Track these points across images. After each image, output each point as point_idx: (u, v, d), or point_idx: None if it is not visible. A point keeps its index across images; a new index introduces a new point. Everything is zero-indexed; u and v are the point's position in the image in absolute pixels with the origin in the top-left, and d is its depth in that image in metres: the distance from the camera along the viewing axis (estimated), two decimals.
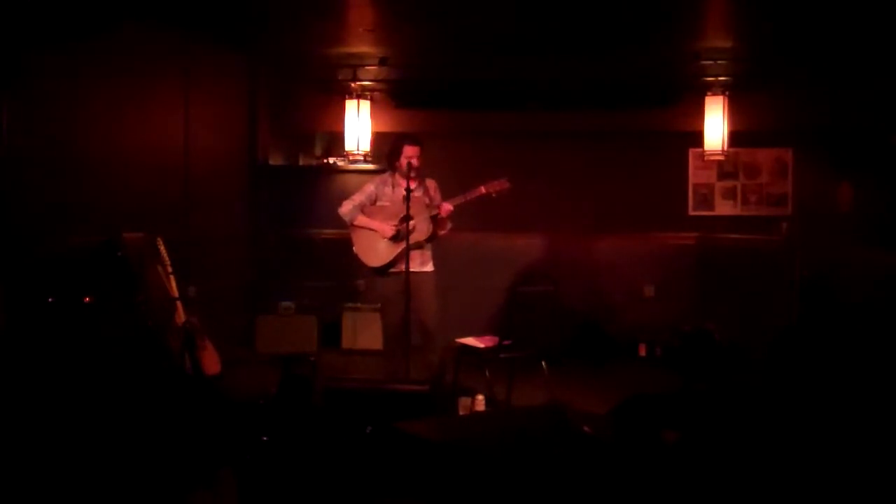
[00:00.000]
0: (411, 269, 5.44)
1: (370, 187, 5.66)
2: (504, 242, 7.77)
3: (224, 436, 4.39)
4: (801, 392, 5.45)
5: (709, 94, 7.29)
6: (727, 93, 7.24)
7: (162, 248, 5.71)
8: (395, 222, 5.45)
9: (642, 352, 7.66)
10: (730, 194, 8.05)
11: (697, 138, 7.52)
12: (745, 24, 6.28)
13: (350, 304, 7.71)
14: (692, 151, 7.96)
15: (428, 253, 5.59)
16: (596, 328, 7.64)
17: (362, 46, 6.94)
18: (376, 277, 5.61)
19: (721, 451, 3.76)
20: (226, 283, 7.22)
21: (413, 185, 5.51)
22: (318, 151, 8.41)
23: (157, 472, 3.93)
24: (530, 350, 5.52)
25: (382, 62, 7.26)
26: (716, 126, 7.26)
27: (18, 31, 4.82)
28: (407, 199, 5.23)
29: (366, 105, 7.69)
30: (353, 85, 7.63)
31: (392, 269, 5.47)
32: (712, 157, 7.51)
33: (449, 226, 5.48)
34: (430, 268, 5.60)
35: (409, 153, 5.46)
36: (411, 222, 5.42)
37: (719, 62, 7.02)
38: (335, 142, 8.10)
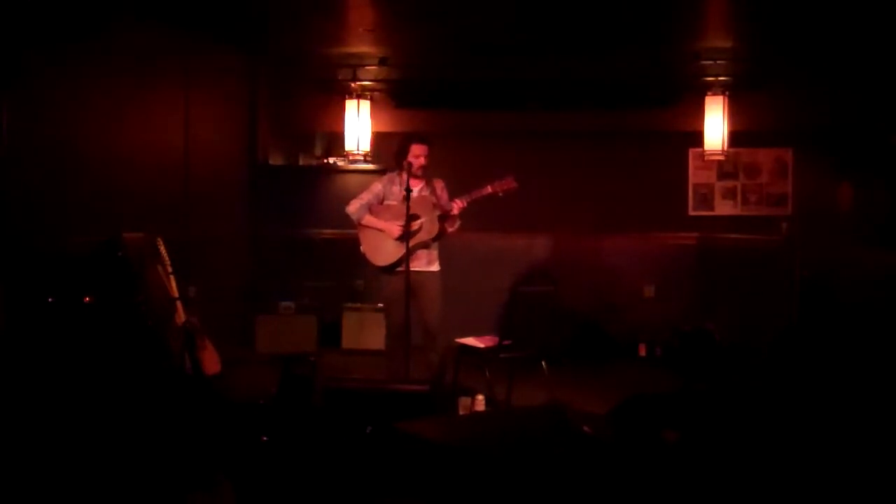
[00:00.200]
0: (418, 269, 5.47)
1: (378, 186, 5.66)
2: (503, 242, 7.77)
3: (223, 437, 4.39)
4: (801, 392, 5.45)
5: (709, 94, 7.29)
6: (727, 93, 7.24)
7: (162, 248, 5.71)
8: (402, 222, 5.45)
9: (642, 352, 7.67)
10: (730, 194, 8.05)
11: (697, 138, 7.52)
12: (745, 24, 6.28)
13: (350, 304, 7.70)
14: (692, 151, 7.96)
15: (434, 252, 5.59)
16: (596, 328, 7.64)
17: (362, 46, 6.94)
18: (382, 277, 5.60)
19: (721, 451, 3.76)
20: (226, 283, 7.22)
21: (418, 185, 5.53)
22: (318, 151, 8.41)
23: (156, 474, 3.93)
24: (530, 350, 5.52)
25: (382, 62, 7.26)
26: (716, 126, 7.26)
27: (18, 31, 4.82)
28: (407, 198, 5.23)
29: (366, 105, 7.69)
30: (353, 85, 7.63)
31: (399, 269, 5.47)
32: (712, 157, 7.51)
33: (458, 224, 5.47)
34: (436, 267, 5.60)
35: (417, 152, 5.47)
36: (418, 221, 5.43)
37: (719, 62, 7.02)
38: (335, 142, 8.10)
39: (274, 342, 7.27)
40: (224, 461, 4.05)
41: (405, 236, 5.36)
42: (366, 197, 5.64)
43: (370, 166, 7.94)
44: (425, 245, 5.50)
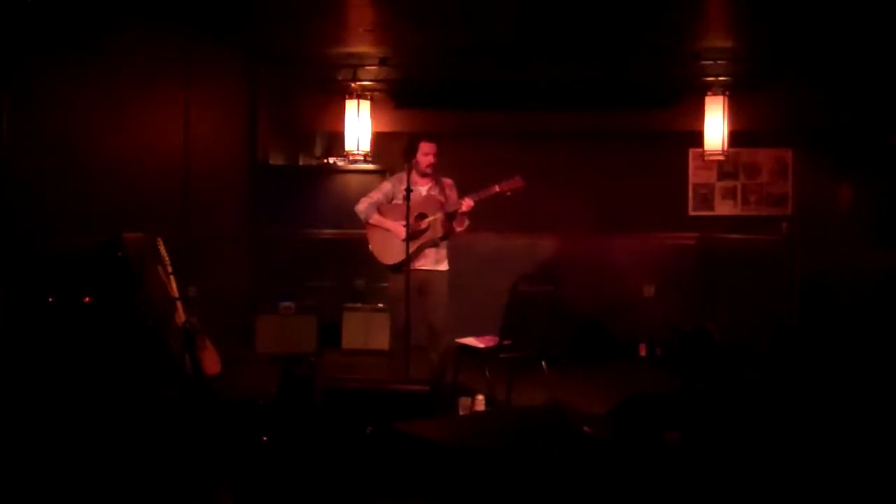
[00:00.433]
0: (426, 268, 5.50)
1: (387, 185, 5.67)
2: (503, 242, 7.77)
3: (222, 438, 4.39)
4: (801, 392, 5.45)
5: (709, 94, 7.29)
6: (727, 93, 7.24)
7: (162, 248, 5.71)
8: (411, 220, 5.45)
9: (642, 352, 7.67)
10: (730, 194, 8.05)
11: (697, 138, 7.52)
12: (745, 24, 6.28)
13: (350, 304, 7.70)
14: (692, 151, 7.96)
15: (443, 251, 5.60)
16: (596, 328, 7.64)
17: (362, 46, 6.94)
18: (389, 275, 5.60)
19: (721, 451, 3.76)
20: (226, 283, 7.21)
21: (427, 184, 5.55)
22: (318, 151, 8.41)
23: (155, 476, 3.93)
24: (530, 350, 5.52)
25: (382, 62, 7.26)
26: (716, 126, 7.26)
27: (19, 32, 4.82)
28: (407, 197, 5.24)
29: (366, 105, 7.69)
30: (353, 85, 7.63)
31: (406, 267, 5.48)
32: (712, 157, 7.51)
33: (467, 223, 5.47)
34: (444, 266, 5.60)
35: (426, 150, 5.49)
36: (426, 220, 5.45)
37: (719, 62, 7.02)
38: (335, 142, 8.10)
39: (274, 342, 7.27)
40: (223, 463, 4.05)
41: (417, 234, 5.40)
42: (374, 196, 5.66)
43: (370, 166, 7.94)
44: (434, 244, 5.51)
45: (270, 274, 7.80)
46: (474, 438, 3.74)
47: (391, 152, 7.70)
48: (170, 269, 5.72)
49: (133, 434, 4.37)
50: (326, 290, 7.75)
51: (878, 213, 7.38)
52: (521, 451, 3.56)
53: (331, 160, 8.09)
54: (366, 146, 7.68)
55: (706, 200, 8.07)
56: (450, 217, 5.43)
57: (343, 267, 7.76)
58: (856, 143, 7.46)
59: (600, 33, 6.39)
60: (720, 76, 7.23)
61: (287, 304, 7.44)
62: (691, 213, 8.08)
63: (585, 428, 4.17)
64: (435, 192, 5.54)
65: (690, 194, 8.08)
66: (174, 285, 5.76)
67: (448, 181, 5.64)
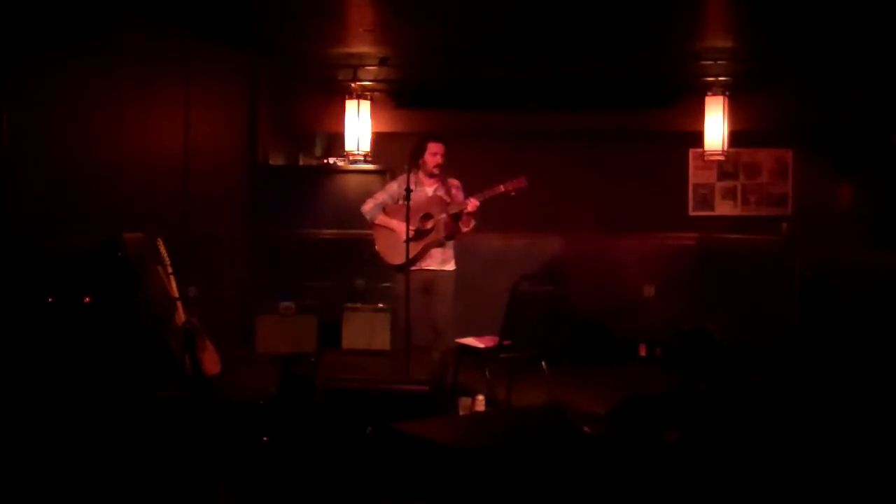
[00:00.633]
0: (432, 268, 5.52)
1: (393, 186, 5.68)
2: (503, 243, 7.77)
3: (222, 438, 4.38)
4: (801, 392, 5.45)
5: (709, 94, 7.29)
6: (727, 93, 7.24)
7: (162, 248, 5.71)
8: (416, 220, 5.46)
9: (642, 352, 7.67)
10: (730, 194, 8.05)
11: (697, 138, 7.52)
12: (745, 24, 6.28)
13: (350, 304, 7.70)
14: (692, 151, 7.96)
15: (450, 251, 5.60)
16: (596, 328, 7.64)
17: (362, 46, 6.94)
18: (396, 275, 5.61)
19: (721, 451, 3.76)
20: (226, 283, 7.22)
21: (433, 185, 5.58)
22: (318, 151, 8.41)
23: (155, 476, 3.93)
24: (530, 350, 5.52)
25: (382, 62, 7.26)
26: (716, 126, 7.26)
27: (19, 32, 4.82)
28: (407, 197, 5.25)
29: (366, 105, 7.69)
30: (353, 85, 7.63)
31: (413, 267, 5.48)
32: (712, 157, 7.51)
33: (473, 223, 5.48)
34: (450, 266, 5.61)
35: (434, 150, 5.51)
36: (431, 220, 5.46)
37: (719, 62, 7.02)
38: (335, 142, 8.10)
39: (274, 342, 7.27)
40: (223, 463, 4.05)
41: (422, 235, 5.43)
42: (380, 197, 5.67)
43: (370, 166, 7.94)
44: (439, 244, 5.51)
45: (270, 274, 7.80)
46: (474, 438, 3.74)
47: (391, 152, 7.71)
48: (170, 269, 5.73)
49: (133, 434, 4.37)
50: (326, 290, 7.75)
51: (878, 213, 7.38)
52: (521, 452, 3.56)
53: (331, 160, 8.09)
54: (366, 146, 7.68)
55: (706, 200, 8.07)
56: (455, 217, 5.44)
57: (343, 267, 7.76)
58: (856, 143, 7.46)
59: (600, 33, 6.40)
60: (720, 76, 7.23)
61: (287, 304, 7.44)
62: (691, 213, 8.08)
63: (585, 428, 4.17)
64: (441, 192, 5.55)
65: (690, 194, 8.08)
66: (174, 285, 5.76)
67: (454, 182, 5.65)
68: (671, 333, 7.27)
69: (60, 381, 4.82)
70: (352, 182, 8.02)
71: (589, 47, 6.85)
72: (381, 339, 7.47)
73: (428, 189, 5.57)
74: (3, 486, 3.71)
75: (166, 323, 5.68)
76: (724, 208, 8.05)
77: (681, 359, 7.01)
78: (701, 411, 4.30)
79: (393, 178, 6.09)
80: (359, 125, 7.63)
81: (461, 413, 5.09)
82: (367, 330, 7.57)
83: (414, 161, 5.58)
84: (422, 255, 5.47)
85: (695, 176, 8.08)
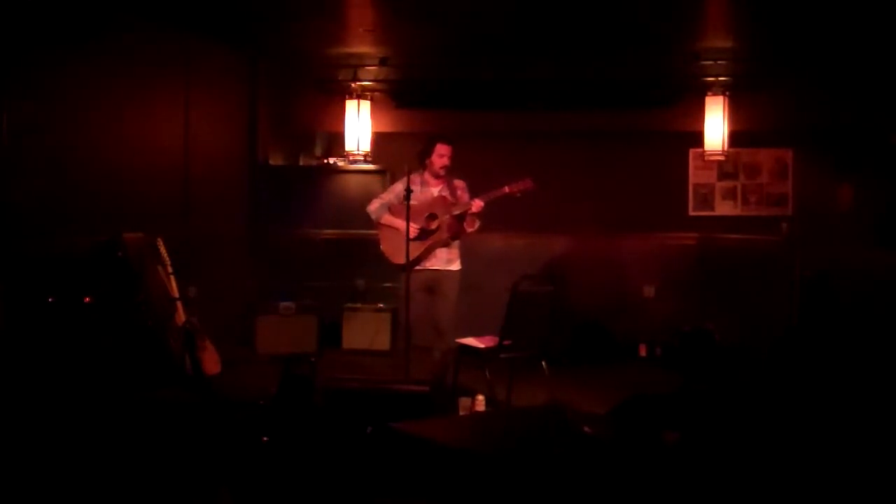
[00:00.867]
0: (437, 267, 5.54)
1: (399, 186, 5.68)
2: (503, 243, 7.77)
3: (222, 439, 4.38)
4: (801, 392, 5.45)
5: (709, 94, 7.29)
6: (727, 93, 7.24)
7: (162, 248, 5.72)
8: (420, 221, 5.47)
9: (642, 352, 7.66)
10: (730, 194, 8.05)
11: (697, 138, 7.52)
12: (745, 24, 6.28)
13: (350, 304, 7.71)
14: (692, 151, 7.96)
15: (455, 251, 5.63)
16: (596, 328, 7.64)
17: (362, 46, 6.94)
18: (399, 275, 5.61)
19: (721, 451, 3.76)
20: (226, 283, 7.22)
21: (438, 185, 5.60)
22: (318, 151, 8.41)
23: (155, 476, 3.93)
24: (530, 350, 5.52)
25: (382, 62, 7.26)
26: (716, 126, 7.26)
27: (19, 32, 4.82)
28: (407, 198, 5.26)
29: (366, 105, 7.69)
30: (353, 85, 7.63)
31: (418, 267, 5.49)
32: (712, 158, 7.50)
33: (477, 224, 5.49)
34: (455, 266, 5.63)
35: (442, 151, 5.54)
36: (436, 221, 5.47)
37: (719, 62, 7.02)
38: (335, 142, 8.10)
39: (274, 342, 7.27)
40: (223, 463, 4.05)
41: (427, 235, 5.44)
42: (386, 197, 5.69)
43: (370, 166, 7.94)
44: (443, 244, 5.52)
45: (270, 274, 7.80)
46: (474, 439, 3.74)
47: (391, 152, 7.71)
48: (170, 269, 5.73)
49: (133, 434, 4.37)
50: (326, 290, 7.75)
51: (878, 213, 7.38)
52: (522, 452, 3.56)
53: (331, 160, 8.09)
54: (366, 146, 7.68)
55: (706, 200, 8.07)
56: (460, 218, 5.45)
57: (343, 267, 7.76)
58: (856, 143, 7.46)
59: (600, 33, 6.39)
60: (720, 76, 7.23)
61: (287, 304, 7.44)
62: (691, 213, 8.08)
63: (585, 428, 4.17)
64: (446, 193, 5.56)
65: (690, 194, 8.08)
66: (174, 285, 5.76)
67: (460, 183, 5.67)
68: (671, 333, 7.28)
69: (60, 381, 4.82)
70: (352, 182, 8.02)
71: (589, 47, 6.85)
72: (381, 339, 7.48)
73: (433, 189, 5.58)
74: (3, 486, 3.71)
75: (166, 323, 5.68)
76: (724, 208, 8.05)
77: (681, 359, 7.01)
78: (701, 411, 4.30)
79: (396, 178, 6.10)
80: (359, 125, 7.63)
81: (461, 413, 5.09)
82: (367, 330, 7.57)
83: (421, 161, 5.60)
84: (426, 255, 5.50)
85: (695, 176, 8.07)
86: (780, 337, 6.36)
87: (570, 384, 6.16)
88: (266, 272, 7.83)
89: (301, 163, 8.41)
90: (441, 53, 7.11)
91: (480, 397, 5.23)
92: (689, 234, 7.96)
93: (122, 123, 5.94)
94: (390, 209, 5.62)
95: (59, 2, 5.07)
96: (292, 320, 7.43)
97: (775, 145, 7.94)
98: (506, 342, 5.36)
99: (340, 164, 8.03)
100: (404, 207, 5.55)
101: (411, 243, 5.37)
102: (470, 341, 5.54)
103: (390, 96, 8.18)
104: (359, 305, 7.71)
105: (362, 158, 7.75)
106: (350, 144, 7.66)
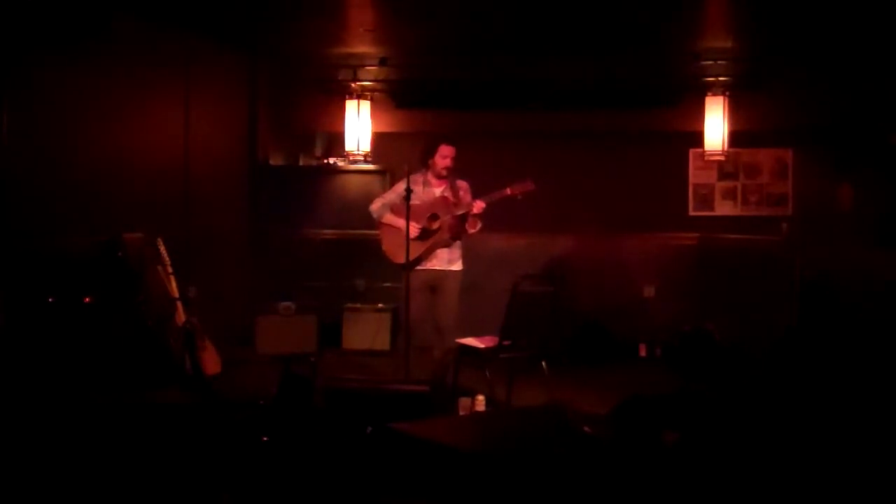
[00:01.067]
0: (438, 267, 5.55)
1: (401, 186, 5.68)
2: (503, 243, 7.76)
3: (222, 440, 4.38)
4: (801, 392, 5.45)
5: (709, 94, 7.30)
6: (727, 93, 7.25)
7: (162, 248, 5.72)
8: (422, 221, 5.48)
9: (642, 352, 7.66)
10: (730, 194, 8.05)
11: (697, 138, 7.52)
12: (745, 24, 6.28)
13: (350, 304, 7.71)
14: (692, 151, 7.95)
15: (457, 251, 5.64)
16: (596, 328, 7.63)
17: (362, 46, 6.95)
18: (403, 274, 5.61)
19: (720, 451, 3.76)
20: (226, 283, 7.22)
21: (440, 186, 5.60)
22: (318, 151, 8.41)
23: (155, 476, 3.93)
24: (530, 350, 5.52)
25: (382, 62, 7.27)
26: (716, 126, 7.26)
27: (19, 32, 4.82)
28: (407, 198, 5.27)
29: (366, 105, 7.69)
30: (353, 85, 7.63)
31: (419, 267, 5.50)
32: (712, 158, 7.51)
33: (479, 225, 5.50)
34: (457, 266, 5.64)
35: (445, 152, 5.54)
36: (438, 221, 5.48)
37: (719, 62, 7.03)
38: (335, 142, 8.10)
39: (274, 342, 7.26)
40: (223, 463, 4.05)
41: (428, 235, 5.44)
42: (388, 196, 5.70)
43: (370, 166, 7.94)
44: (445, 244, 5.53)
45: (270, 274, 7.80)
46: (474, 439, 3.74)
47: (391, 152, 7.71)
48: (170, 269, 5.73)
49: (133, 434, 4.37)
50: (326, 290, 7.75)
51: (878, 213, 7.37)
52: (522, 452, 3.56)
53: (331, 160, 8.09)
54: (366, 146, 7.68)
55: (706, 201, 8.07)
56: (462, 219, 5.46)
57: (343, 267, 7.76)
58: (856, 143, 7.46)
59: (601, 33, 6.40)
60: (720, 76, 7.23)
61: (287, 304, 7.43)
62: (691, 213, 8.08)
63: (585, 428, 4.17)
64: (448, 193, 5.56)
65: (690, 194, 8.08)
66: (174, 285, 5.76)
67: (463, 183, 5.67)
68: (671, 333, 7.27)
69: (60, 382, 4.82)
70: (352, 182, 8.02)
71: (589, 47, 6.85)
72: (381, 339, 7.48)
73: (436, 190, 5.59)
74: (3, 486, 3.71)
75: (166, 323, 5.68)
76: (724, 208, 8.05)
77: (681, 359, 7.00)
78: (701, 411, 4.30)
79: (396, 178, 6.11)
80: (359, 125, 7.63)
81: (461, 413, 5.09)
82: (367, 330, 7.57)
83: (423, 161, 5.60)
84: (428, 255, 5.50)
85: (695, 176, 8.07)
86: (780, 337, 6.36)
87: (570, 384, 6.16)
88: (266, 272, 7.83)
89: (301, 163, 8.41)
90: (441, 53, 7.11)
91: (480, 397, 5.23)
92: (689, 234, 7.96)
93: (122, 123, 5.94)
94: (392, 209, 5.63)
95: (59, 2, 5.06)
96: (292, 320, 7.42)
97: (775, 145, 7.94)
98: (506, 342, 5.36)
99: (340, 164, 8.03)
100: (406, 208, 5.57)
101: (413, 243, 5.37)
102: (470, 341, 5.55)
103: (390, 96, 8.18)
104: (359, 305, 7.71)
105: (362, 158, 7.75)
106: (350, 144, 7.66)
